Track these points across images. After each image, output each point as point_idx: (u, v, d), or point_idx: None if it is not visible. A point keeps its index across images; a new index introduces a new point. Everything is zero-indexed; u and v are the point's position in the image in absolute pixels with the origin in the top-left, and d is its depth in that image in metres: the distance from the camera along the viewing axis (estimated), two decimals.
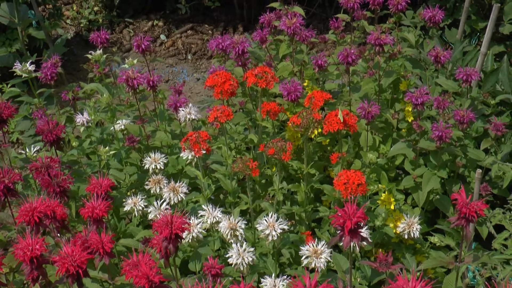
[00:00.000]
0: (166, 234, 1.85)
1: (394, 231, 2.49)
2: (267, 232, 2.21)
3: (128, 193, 2.88)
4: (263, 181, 2.88)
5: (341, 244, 2.14)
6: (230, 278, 2.29)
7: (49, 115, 3.15)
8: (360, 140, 2.90)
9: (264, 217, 2.25)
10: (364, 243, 2.08)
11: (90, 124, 3.00)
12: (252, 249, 2.17)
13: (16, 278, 2.36)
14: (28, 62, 3.05)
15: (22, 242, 1.86)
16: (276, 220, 2.23)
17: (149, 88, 2.91)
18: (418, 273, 1.50)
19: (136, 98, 2.90)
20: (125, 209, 2.55)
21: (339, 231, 1.64)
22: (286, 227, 2.24)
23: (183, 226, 1.87)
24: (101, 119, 2.94)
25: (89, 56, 2.94)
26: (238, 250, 2.16)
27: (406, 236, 2.42)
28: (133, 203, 2.54)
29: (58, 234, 2.25)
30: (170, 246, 1.88)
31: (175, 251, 1.90)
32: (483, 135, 2.91)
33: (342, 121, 2.43)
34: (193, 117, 2.77)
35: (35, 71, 3.05)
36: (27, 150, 2.82)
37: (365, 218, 1.62)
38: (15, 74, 3.05)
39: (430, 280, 1.47)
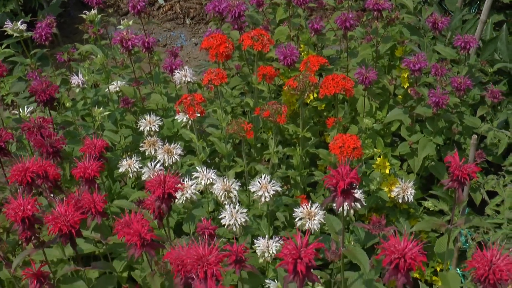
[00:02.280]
0: (159, 193, 1.85)
1: (389, 195, 2.49)
2: (260, 193, 2.21)
3: (123, 156, 2.88)
4: (259, 145, 2.87)
5: (334, 205, 2.15)
6: (224, 239, 2.29)
7: (44, 76, 3.12)
8: (357, 105, 2.88)
9: (258, 178, 2.24)
10: (358, 205, 2.09)
11: (86, 86, 2.97)
12: (245, 210, 2.17)
13: (10, 238, 2.36)
14: (20, 21, 2.99)
15: (14, 202, 1.85)
16: (269, 182, 2.23)
17: (144, 50, 2.89)
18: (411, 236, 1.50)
19: (131, 59, 2.88)
20: (119, 170, 2.54)
21: (332, 192, 1.63)
22: (279, 189, 2.23)
23: (176, 185, 1.87)
24: (96, 80, 2.92)
25: (84, 16, 2.90)
26: (231, 211, 2.16)
27: (400, 200, 2.42)
28: (128, 165, 2.53)
29: (51, 195, 2.24)
30: (163, 206, 1.88)
31: (168, 211, 1.90)
32: (479, 103, 2.90)
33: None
34: (189, 80, 2.75)
35: (29, 31, 3.01)
36: (21, 110, 2.80)
37: (358, 179, 1.61)
38: (6, 33, 3.01)
39: (421, 240, 1.47)
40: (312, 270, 1.50)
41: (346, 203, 1.61)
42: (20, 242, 2.35)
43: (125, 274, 2.40)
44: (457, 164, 1.71)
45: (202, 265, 1.53)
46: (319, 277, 1.97)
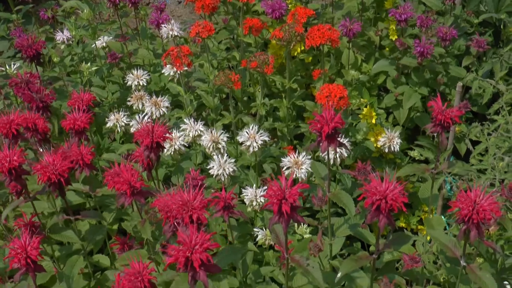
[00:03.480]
0: (148, 143, 1.86)
1: (375, 145, 2.52)
2: (248, 143, 2.23)
3: (111, 111, 2.88)
4: (246, 98, 2.88)
5: (321, 154, 2.18)
6: (212, 190, 2.32)
7: (28, 33, 3.10)
8: (342, 59, 2.89)
9: (246, 129, 2.26)
10: (343, 151, 2.12)
11: (71, 42, 2.96)
12: (233, 160, 2.20)
13: (0, 191, 2.38)
14: None
15: (0, 154, 1.86)
16: (257, 132, 2.25)
17: (130, 5, 2.87)
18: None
19: (118, 14, 2.86)
20: (107, 125, 2.56)
21: (317, 137, 1.65)
22: (267, 139, 2.25)
23: (164, 135, 1.88)
24: (82, 35, 2.91)
25: None
26: (219, 161, 2.18)
27: (386, 150, 2.45)
28: (116, 119, 2.55)
29: (41, 149, 2.25)
30: (151, 155, 1.89)
31: (157, 161, 1.92)
32: (465, 54, 2.92)
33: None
34: (176, 34, 2.75)
35: None
36: (7, 67, 2.79)
37: (343, 123, 1.62)
38: None
39: (403, 182, 1.49)
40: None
41: (331, 148, 1.63)
42: (11, 197, 2.37)
43: (115, 227, 2.43)
44: (439, 108, 1.73)
45: (187, 210, 1.55)
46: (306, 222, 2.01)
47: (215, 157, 2.21)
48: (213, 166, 2.18)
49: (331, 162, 2.07)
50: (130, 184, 1.77)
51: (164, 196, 1.63)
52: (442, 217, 2.41)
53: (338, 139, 1.65)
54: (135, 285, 1.42)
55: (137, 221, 1.88)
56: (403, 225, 2.71)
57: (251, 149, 2.23)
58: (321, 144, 1.64)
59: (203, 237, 1.36)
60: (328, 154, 1.72)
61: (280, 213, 1.44)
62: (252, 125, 2.28)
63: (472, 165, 2.47)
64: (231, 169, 2.18)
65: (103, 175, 1.92)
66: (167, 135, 1.90)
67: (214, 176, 2.19)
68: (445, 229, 2.19)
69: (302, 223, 2.08)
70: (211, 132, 2.29)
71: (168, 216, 1.61)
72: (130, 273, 1.44)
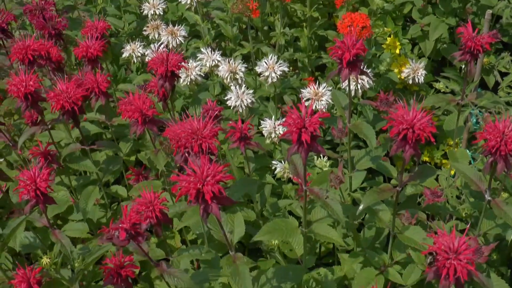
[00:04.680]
0: (162, 72, 1.79)
1: (399, 76, 2.43)
2: (266, 74, 2.16)
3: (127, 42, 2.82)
4: (266, 28, 2.79)
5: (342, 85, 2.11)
6: (230, 122, 2.27)
7: None
8: None
9: (264, 59, 2.18)
10: (365, 81, 2.04)
11: None
12: (251, 91, 2.13)
13: (16, 121, 2.36)
14: None
15: (16, 79, 1.81)
16: (276, 62, 2.17)
17: None
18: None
19: None
20: (123, 55, 2.50)
21: (338, 64, 1.57)
22: (286, 69, 2.18)
23: (179, 63, 1.81)
24: None
25: None
26: (237, 92, 2.12)
27: (410, 82, 2.36)
28: (132, 50, 2.48)
29: (55, 78, 2.21)
30: (166, 85, 1.83)
31: (172, 90, 1.86)
32: None
33: None
34: None
35: None
36: None
37: (365, 50, 1.54)
38: None
39: (430, 111, 1.42)
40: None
41: (353, 75, 1.55)
42: (26, 127, 2.35)
43: (132, 158, 2.40)
44: (470, 34, 1.64)
45: (196, 139, 1.49)
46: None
47: (232, 88, 2.14)
48: (231, 97, 2.12)
49: (352, 93, 2.00)
50: (142, 112, 1.73)
51: (175, 125, 1.58)
52: (467, 150, 2.34)
53: (360, 66, 1.57)
54: (146, 214, 1.39)
55: (150, 150, 1.84)
56: (427, 159, 2.65)
57: (269, 79, 2.16)
58: (342, 71, 1.56)
59: (215, 168, 1.29)
60: (349, 83, 1.64)
61: (299, 143, 1.35)
62: (271, 55, 2.20)
63: (500, 97, 2.38)
64: (249, 100, 2.12)
65: (118, 104, 1.88)
66: (182, 63, 1.84)
67: (232, 108, 2.13)
68: (469, 163, 2.12)
69: (321, 156, 2.03)
70: (229, 62, 2.22)
71: (179, 146, 1.56)
72: (141, 202, 1.40)
